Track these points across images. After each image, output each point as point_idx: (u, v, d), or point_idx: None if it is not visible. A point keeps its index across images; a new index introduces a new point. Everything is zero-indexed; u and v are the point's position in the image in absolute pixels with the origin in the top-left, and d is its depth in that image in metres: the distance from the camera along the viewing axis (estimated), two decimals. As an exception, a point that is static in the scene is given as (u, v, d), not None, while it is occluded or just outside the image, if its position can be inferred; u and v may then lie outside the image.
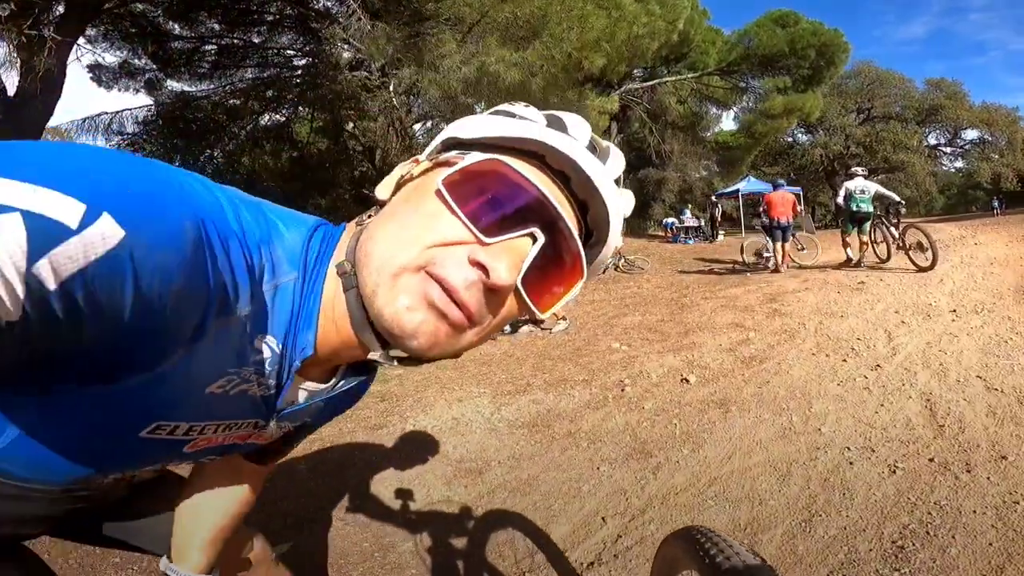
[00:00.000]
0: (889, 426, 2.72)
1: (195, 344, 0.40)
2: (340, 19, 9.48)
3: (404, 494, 2.37)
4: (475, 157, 0.45)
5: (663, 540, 1.05)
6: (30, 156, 0.30)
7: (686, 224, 17.75)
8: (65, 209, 0.28)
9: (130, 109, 12.60)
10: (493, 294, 0.44)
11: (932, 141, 32.74)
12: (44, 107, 8.07)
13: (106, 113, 12.36)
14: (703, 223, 18.53)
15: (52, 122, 9.02)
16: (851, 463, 2.38)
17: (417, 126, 13.55)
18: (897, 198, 7.78)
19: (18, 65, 7.64)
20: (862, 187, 7.67)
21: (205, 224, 0.37)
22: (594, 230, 0.50)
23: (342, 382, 0.58)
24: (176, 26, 11.30)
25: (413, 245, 0.43)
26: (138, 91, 12.25)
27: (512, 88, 8.18)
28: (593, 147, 0.50)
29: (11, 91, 7.81)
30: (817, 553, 1.82)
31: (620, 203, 0.50)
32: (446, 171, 0.45)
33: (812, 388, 3.34)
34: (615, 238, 0.50)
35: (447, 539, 2.06)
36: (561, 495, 2.33)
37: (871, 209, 7.62)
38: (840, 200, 7.91)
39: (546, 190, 0.45)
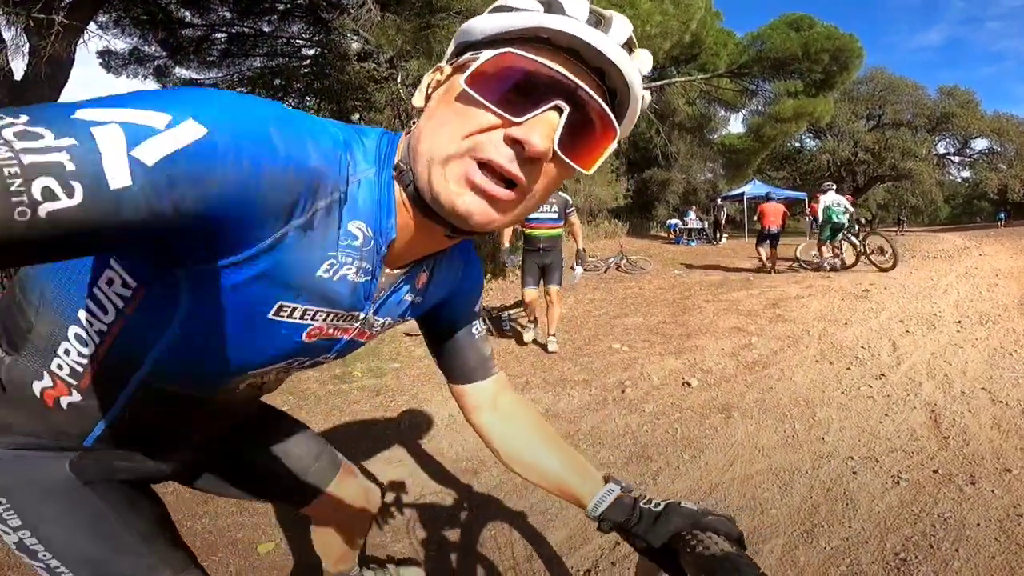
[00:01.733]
0: (893, 436, 2.69)
1: (297, 223, 0.50)
2: (351, 9, 9.43)
3: (396, 493, 2.32)
4: (488, 54, 0.51)
5: None
6: (138, 95, 0.40)
7: (689, 226, 17.70)
8: (152, 118, 0.38)
9: (137, 95, 12.60)
10: (534, 164, 0.51)
11: (941, 150, 32.58)
12: (51, 92, 8.05)
13: (113, 98, 12.36)
14: (706, 225, 18.48)
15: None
16: (854, 473, 2.36)
17: (424, 119, 13.49)
18: (853, 211, 9.12)
19: (26, 49, 7.62)
20: (837, 200, 8.81)
21: (298, 130, 0.47)
22: (616, 91, 0.55)
23: (413, 268, 0.69)
24: (188, 13, 11.27)
25: (455, 137, 0.50)
26: (147, 78, 12.22)
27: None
28: (598, 19, 0.53)
29: (18, 75, 7.78)
30: (819, 565, 1.79)
31: (632, 62, 0.53)
32: (466, 72, 0.51)
33: (816, 396, 3.31)
34: (638, 92, 0.54)
35: (439, 541, 2.03)
36: (558, 499, 2.30)
37: (845, 220, 8.78)
38: (820, 212, 9.00)
39: (557, 66, 0.50)
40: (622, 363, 4.23)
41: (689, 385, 3.62)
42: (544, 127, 0.49)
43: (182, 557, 0.84)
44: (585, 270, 4.91)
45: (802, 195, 19.68)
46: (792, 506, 2.14)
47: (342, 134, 0.55)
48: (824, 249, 9.10)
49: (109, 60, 11.55)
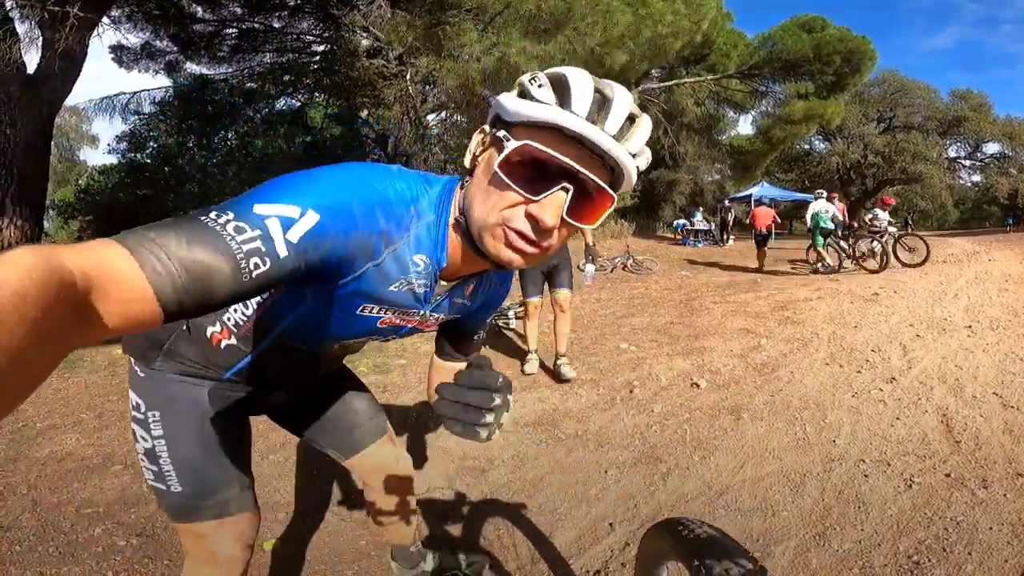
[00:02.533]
0: (905, 440, 2.68)
1: (373, 263, 0.74)
2: (361, 6, 9.45)
3: None
4: (513, 144, 0.67)
5: (646, 532, 1.07)
6: (281, 189, 0.63)
7: (696, 227, 17.62)
8: (292, 211, 0.61)
9: (148, 90, 12.67)
10: (548, 231, 0.69)
11: (952, 153, 32.17)
12: (62, 85, 8.09)
13: (124, 93, 12.44)
14: (713, 227, 18.39)
15: (69, 100, 9.04)
16: (866, 476, 2.34)
17: (431, 116, 13.47)
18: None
19: (39, 42, 7.66)
20: (826, 208, 9.44)
21: (372, 204, 0.70)
22: (614, 167, 0.70)
23: (464, 281, 0.92)
24: (199, 9, 11.32)
25: (495, 210, 0.69)
26: (158, 72, 12.29)
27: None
28: (602, 100, 0.67)
29: (31, 68, 7.82)
30: (831, 567, 1.78)
31: (621, 147, 0.68)
32: (499, 156, 0.68)
33: (826, 398, 3.29)
34: (629, 167, 0.70)
35: (447, 540, 2.02)
36: (567, 498, 2.29)
37: (832, 226, 9.41)
38: (808, 219, 9.66)
39: (564, 156, 0.66)
40: (630, 363, 4.22)
41: (698, 386, 3.61)
42: (553, 207, 0.67)
43: (250, 481, 1.15)
44: (596, 269, 4.26)
45: (810, 197, 19.55)
46: (804, 508, 2.13)
47: (410, 191, 0.76)
48: (823, 252, 9.53)
49: (121, 54, 11.62)
